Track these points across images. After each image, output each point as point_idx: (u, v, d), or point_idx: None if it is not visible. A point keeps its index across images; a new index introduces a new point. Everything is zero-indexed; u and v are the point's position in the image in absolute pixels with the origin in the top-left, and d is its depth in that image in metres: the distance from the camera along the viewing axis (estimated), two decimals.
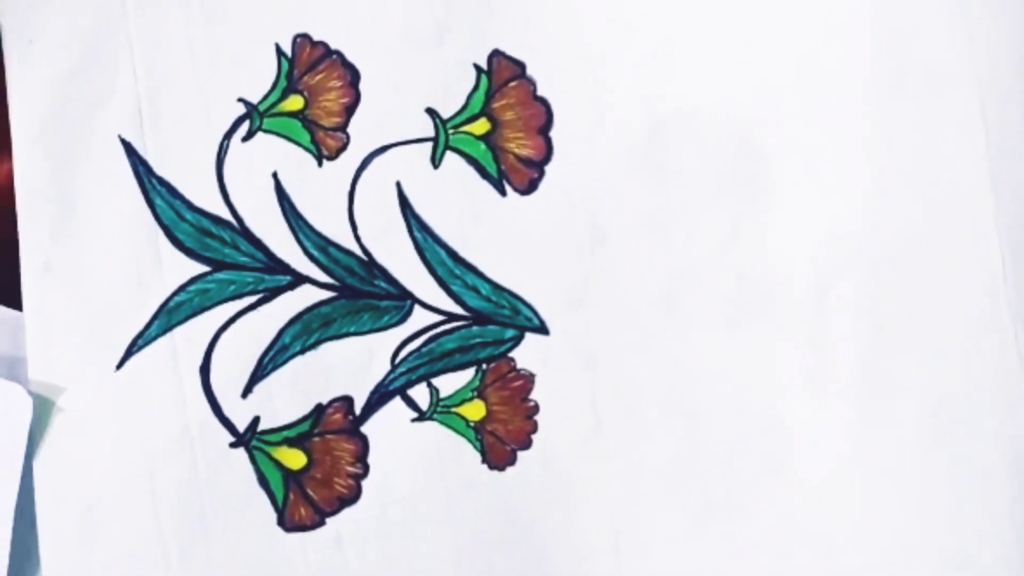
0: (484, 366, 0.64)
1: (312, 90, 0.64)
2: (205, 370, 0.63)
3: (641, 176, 0.63)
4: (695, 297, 0.63)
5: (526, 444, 0.63)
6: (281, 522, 0.63)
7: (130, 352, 0.63)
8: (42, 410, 0.62)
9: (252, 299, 0.63)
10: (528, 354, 0.64)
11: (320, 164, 0.64)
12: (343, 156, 0.64)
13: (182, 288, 0.63)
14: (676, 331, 0.63)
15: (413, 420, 0.63)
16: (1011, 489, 0.61)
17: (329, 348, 0.63)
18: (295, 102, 0.64)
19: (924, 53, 0.62)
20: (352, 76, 0.64)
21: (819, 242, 0.62)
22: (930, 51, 0.62)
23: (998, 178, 0.61)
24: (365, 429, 0.63)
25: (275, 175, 0.64)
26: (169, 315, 0.63)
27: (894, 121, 0.62)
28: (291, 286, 0.64)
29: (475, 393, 0.64)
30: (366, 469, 0.63)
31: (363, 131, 0.64)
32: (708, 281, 0.63)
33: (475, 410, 0.64)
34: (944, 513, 0.62)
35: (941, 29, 0.62)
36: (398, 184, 0.64)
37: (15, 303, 0.64)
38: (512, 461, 0.63)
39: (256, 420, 0.63)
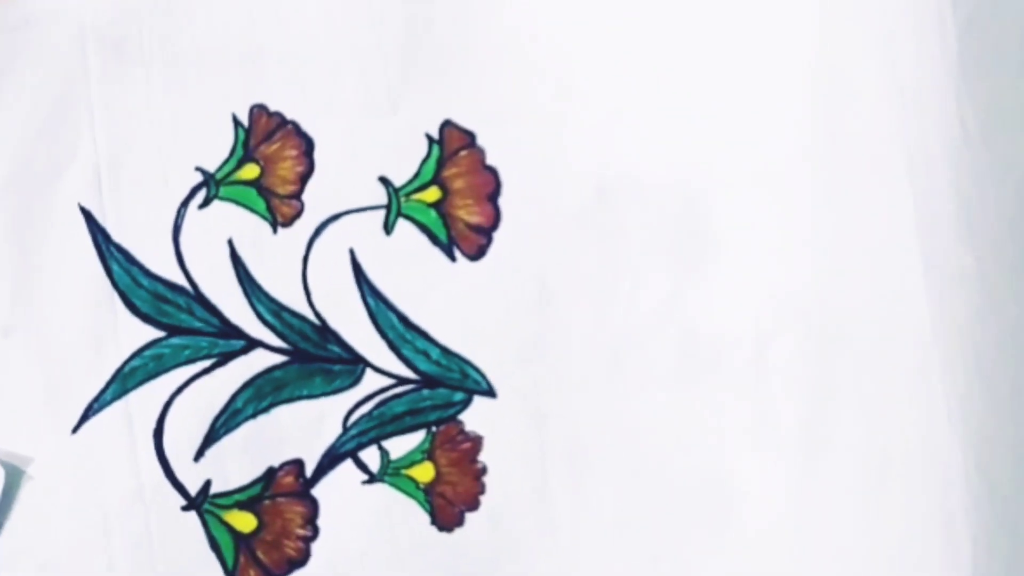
0: (434, 428, 0.62)
1: (268, 159, 0.63)
2: (158, 434, 0.61)
3: (587, 239, 0.62)
4: (640, 355, 0.62)
5: (474, 505, 0.62)
6: None
7: (86, 416, 0.61)
8: (12, 478, 0.60)
9: (206, 363, 0.62)
10: (476, 417, 0.62)
11: (275, 231, 0.63)
12: (297, 223, 0.63)
13: (137, 353, 0.61)
14: (622, 389, 0.62)
15: (364, 482, 0.62)
16: (942, 540, 0.61)
17: (281, 412, 0.62)
18: (251, 171, 0.63)
19: (856, 123, 0.61)
20: (307, 145, 0.63)
21: (759, 302, 0.62)
22: (862, 122, 0.61)
23: (927, 242, 0.61)
24: (316, 492, 0.62)
25: (230, 242, 0.63)
26: (124, 380, 0.61)
27: (829, 186, 0.62)
28: (244, 350, 0.62)
29: (425, 455, 0.62)
30: (316, 532, 0.61)
31: (317, 199, 0.63)
32: (652, 340, 0.62)
33: (425, 472, 0.62)
34: (881, 564, 0.61)
35: (872, 101, 0.61)
36: (351, 250, 0.63)
37: None
38: (460, 522, 0.62)
39: (208, 483, 0.61)
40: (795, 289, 0.61)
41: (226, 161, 0.63)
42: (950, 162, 0.60)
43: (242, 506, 0.62)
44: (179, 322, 0.62)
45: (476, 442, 0.62)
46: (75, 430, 0.61)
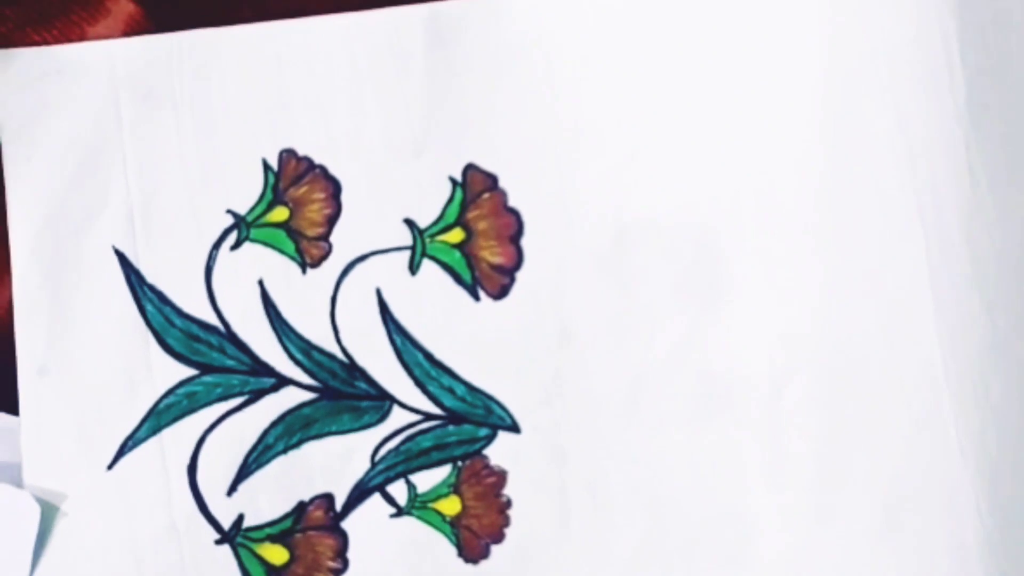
0: (459, 463, 0.63)
1: (297, 202, 0.64)
2: (192, 469, 0.62)
3: (606, 280, 0.63)
4: (658, 394, 0.63)
5: (499, 538, 0.63)
6: None
7: (121, 452, 0.62)
8: (46, 516, 0.61)
9: (238, 401, 0.63)
10: (501, 451, 0.63)
11: (304, 272, 0.64)
12: (325, 264, 0.64)
13: (171, 391, 0.62)
14: (641, 426, 0.63)
15: (391, 516, 0.63)
16: (953, 572, 0.61)
17: (311, 447, 0.63)
18: (280, 213, 0.64)
19: (867, 166, 0.62)
20: (334, 188, 0.64)
21: (774, 342, 0.62)
22: (872, 164, 0.62)
23: (937, 282, 0.61)
24: (345, 525, 0.62)
25: (261, 282, 0.64)
26: (158, 417, 0.62)
27: (841, 229, 0.62)
28: (275, 388, 0.63)
29: (451, 489, 0.63)
30: (346, 564, 0.62)
31: (345, 240, 0.64)
32: (670, 378, 0.63)
33: (451, 505, 0.63)
34: None
35: (883, 149, 0.62)
36: (378, 290, 0.63)
37: (13, 409, 0.63)
38: (486, 554, 0.63)
39: (241, 517, 0.62)
40: (810, 330, 0.62)
41: (256, 204, 0.64)
42: (960, 208, 0.61)
43: (274, 539, 0.62)
44: (211, 360, 0.63)
45: (501, 476, 0.63)
46: (110, 467, 0.62)
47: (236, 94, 0.64)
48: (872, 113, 0.62)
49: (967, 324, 0.61)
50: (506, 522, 0.63)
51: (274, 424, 0.63)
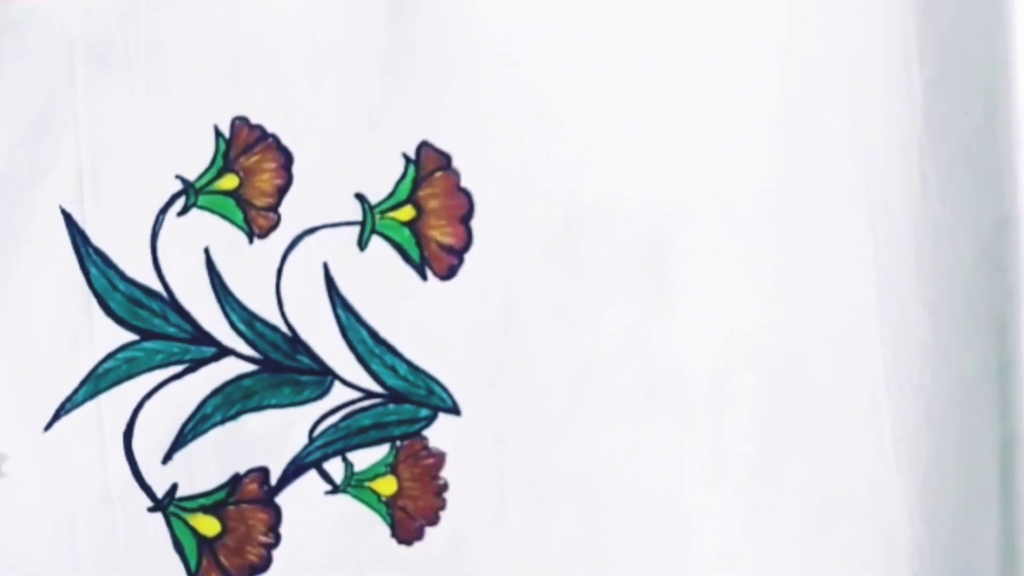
0: (398, 443, 0.62)
1: (247, 170, 0.63)
2: (128, 436, 0.61)
3: (555, 267, 0.62)
4: (602, 384, 0.62)
5: (434, 520, 0.62)
6: None
7: (58, 415, 0.61)
8: None
9: (177, 369, 0.62)
10: (440, 433, 0.62)
11: (251, 242, 0.63)
12: (273, 235, 0.62)
13: (111, 355, 0.61)
14: (583, 416, 0.62)
15: (327, 492, 0.62)
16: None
17: (249, 420, 0.62)
18: (230, 181, 0.63)
19: (820, 169, 0.62)
20: (286, 159, 0.63)
21: (719, 340, 0.62)
22: (826, 170, 0.62)
23: (883, 290, 0.61)
24: (279, 500, 0.62)
25: (207, 250, 0.62)
26: (97, 381, 0.61)
27: (792, 231, 0.62)
28: (216, 358, 0.62)
29: (388, 469, 0.62)
30: (278, 539, 0.62)
31: (294, 212, 0.62)
32: (614, 370, 0.62)
33: (387, 485, 0.62)
34: None
35: (837, 151, 0.62)
36: (325, 264, 0.62)
37: None
38: (420, 536, 0.62)
39: (174, 487, 0.61)
40: (753, 329, 0.62)
41: (206, 171, 0.63)
42: (910, 214, 0.61)
43: (207, 510, 0.62)
44: (153, 327, 0.62)
45: (439, 458, 0.62)
46: (47, 428, 0.61)
47: (192, 60, 0.63)
48: (828, 117, 0.62)
49: (910, 332, 0.61)
50: (442, 505, 0.62)
51: (213, 394, 0.62)
